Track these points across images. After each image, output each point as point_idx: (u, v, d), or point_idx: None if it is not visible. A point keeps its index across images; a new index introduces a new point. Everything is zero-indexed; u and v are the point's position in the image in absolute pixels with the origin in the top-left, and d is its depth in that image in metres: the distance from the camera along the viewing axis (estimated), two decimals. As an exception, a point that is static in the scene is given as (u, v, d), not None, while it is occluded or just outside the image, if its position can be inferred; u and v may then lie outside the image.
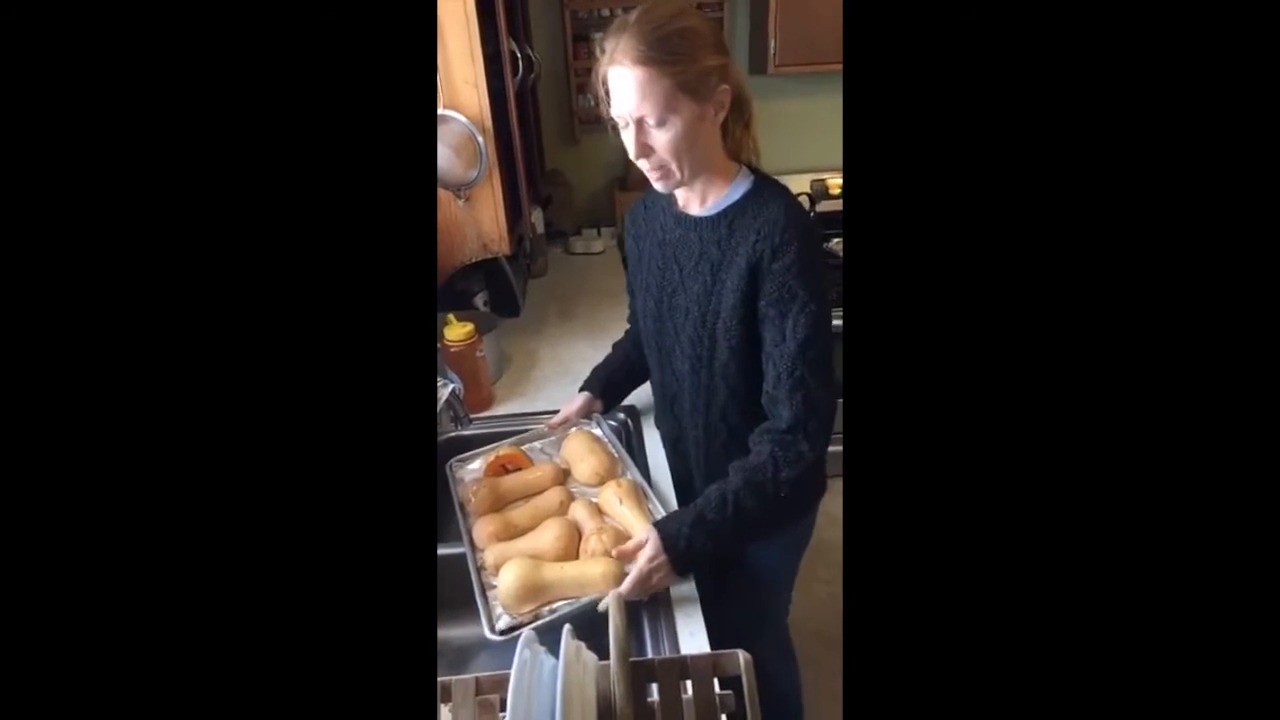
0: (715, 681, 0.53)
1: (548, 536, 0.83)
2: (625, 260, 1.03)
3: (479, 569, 0.81)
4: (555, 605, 0.76)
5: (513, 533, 0.86)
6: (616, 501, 0.87)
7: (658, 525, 0.78)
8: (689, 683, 0.52)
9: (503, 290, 1.64)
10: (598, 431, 1.04)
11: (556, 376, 1.38)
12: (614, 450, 0.99)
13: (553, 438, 1.05)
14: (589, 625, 0.63)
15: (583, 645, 0.48)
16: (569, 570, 0.77)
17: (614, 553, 0.78)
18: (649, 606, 0.79)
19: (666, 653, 0.73)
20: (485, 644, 0.75)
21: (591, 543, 0.81)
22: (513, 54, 1.30)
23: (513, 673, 0.42)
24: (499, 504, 0.92)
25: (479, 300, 1.58)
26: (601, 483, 0.92)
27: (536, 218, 1.93)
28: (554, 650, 0.48)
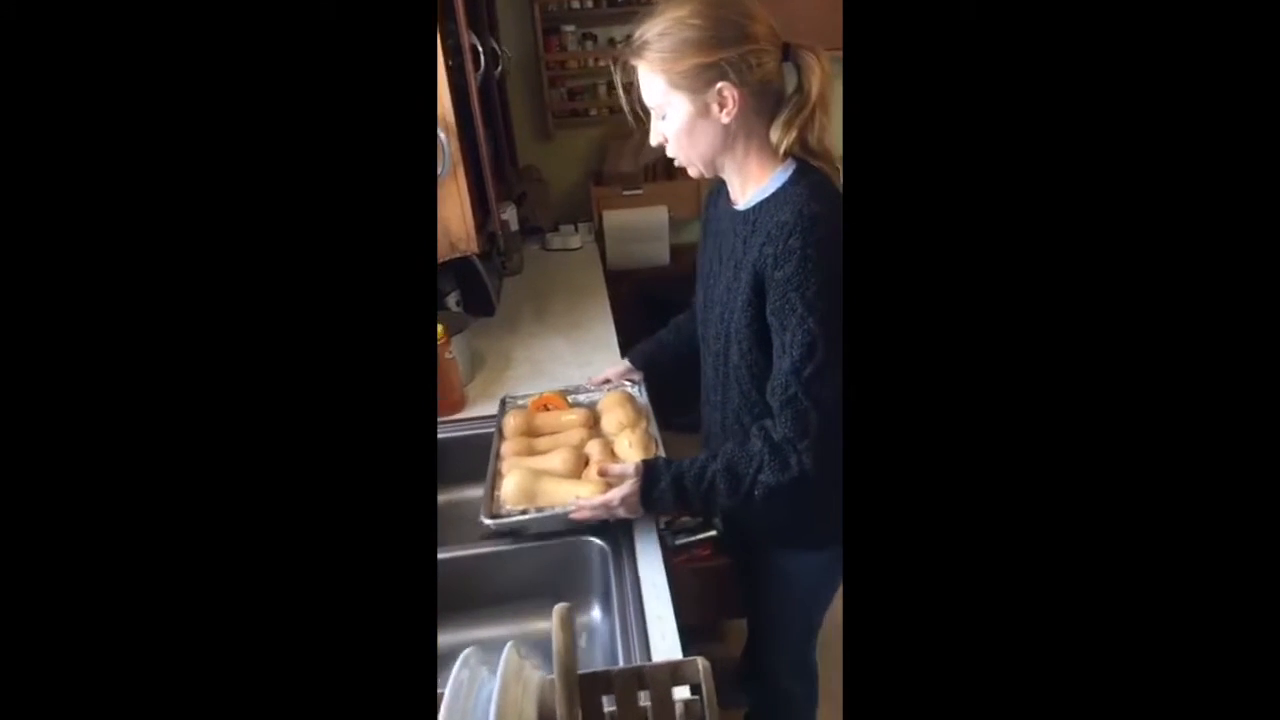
0: (675, 690, 0.51)
1: (557, 459, 0.95)
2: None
3: (495, 473, 0.95)
4: (543, 508, 0.88)
5: (532, 454, 0.99)
6: (627, 444, 0.98)
7: (646, 464, 0.83)
8: (647, 693, 0.51)
9: (476, 290, 1.61)
10: (634, 392, 1.15)
11: (531, 376, 1.36)
12: (645, 410, 1.09)
13: (595, 393, 1.16)
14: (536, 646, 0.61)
15: (526, 663, 0.46)
16: (563, 485, 0.90)
17: (598, 470, 0.89)
18: (620, 614, 0.77)
19: (638, 659, 0.71)
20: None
21: (593, 470, 0.92)
22: (473, 48, 1.27)
23: (446, 696, 0.40)
24: (531, 433, 1.05)
25: (451, 300, 1.55)
26: (621, 432, 1.03)
27: (510, 214, 1.90)
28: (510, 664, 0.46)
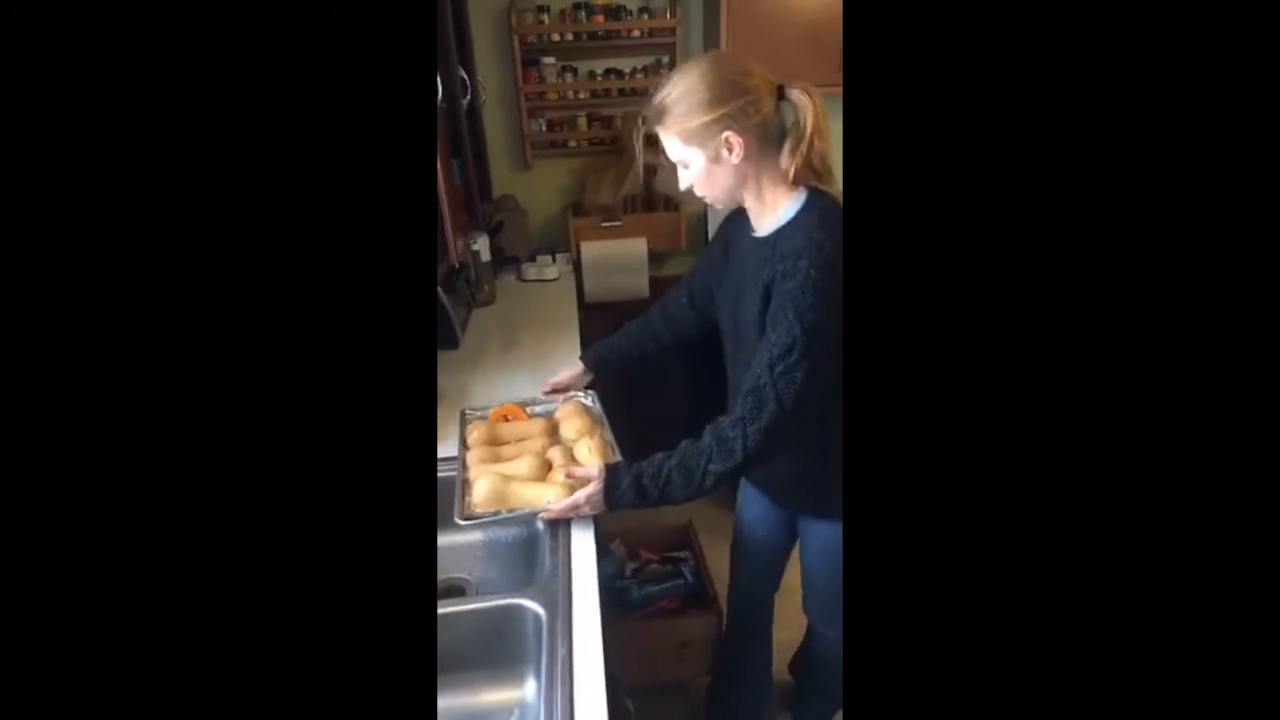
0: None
1: (523, 464, 1.01)
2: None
3: (463, 481, 1.00)
4: (514, 509, 0.95)
5: (498, 461, 1.04)
6: (587, 451, 1.05)
7: (609, 468, 0.92)
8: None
9: (439, 322, 1.55)
10: (588, 402, 1.24)
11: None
12: (599, 418, 1.18)
13: (551, 404, 1.23)
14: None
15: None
16: (530, 488, 0.97)
17: (565, 474, 0.96)
18: (548, 695, 0.69)
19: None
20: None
21: (558, 476, 0.98)
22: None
23: None
24: (494, 442, 1.11)
25: (411, 334, 1.48)
26: (580, 439, 1.09)
27: (482, 244, 1.85)
28: None
